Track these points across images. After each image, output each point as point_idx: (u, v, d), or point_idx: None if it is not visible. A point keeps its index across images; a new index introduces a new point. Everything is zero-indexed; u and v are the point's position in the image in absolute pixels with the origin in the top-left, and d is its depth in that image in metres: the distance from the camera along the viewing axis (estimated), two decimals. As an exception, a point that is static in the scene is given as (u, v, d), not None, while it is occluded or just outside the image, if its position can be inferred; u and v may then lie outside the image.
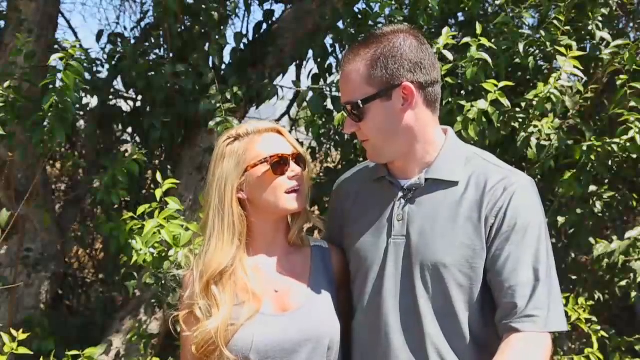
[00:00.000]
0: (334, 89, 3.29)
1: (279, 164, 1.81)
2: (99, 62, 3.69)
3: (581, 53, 2.89)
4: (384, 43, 1.75)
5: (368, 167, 1.99)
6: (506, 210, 1.70)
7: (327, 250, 1.94)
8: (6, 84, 3.11)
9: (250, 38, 3.92)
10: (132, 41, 3.91)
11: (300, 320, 1.80)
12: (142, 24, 4.19)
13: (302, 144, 1.84)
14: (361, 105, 1.74)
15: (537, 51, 3.08)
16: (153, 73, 3.51)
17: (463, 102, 2.87)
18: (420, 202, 1.79)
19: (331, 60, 3.70)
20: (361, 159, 3.46)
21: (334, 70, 3.69)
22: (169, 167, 3.87)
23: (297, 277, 1.88)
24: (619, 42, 3.01)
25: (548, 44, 2.98)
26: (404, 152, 1.79)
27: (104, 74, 3.79)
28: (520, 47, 3.00)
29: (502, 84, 2.81)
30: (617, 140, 2.93)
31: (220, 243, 1.82)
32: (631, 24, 3.88)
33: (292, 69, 3.99)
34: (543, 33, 3.01)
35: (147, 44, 3.76)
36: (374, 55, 1.74)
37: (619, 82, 2.95)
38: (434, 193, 1.79)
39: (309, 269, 1.90)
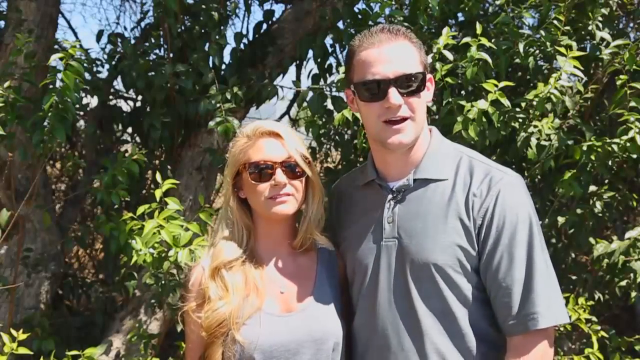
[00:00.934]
0: (334, 89, 3.28)
1: (260, 172, 1.82)
2: (99, 62, 3.68)
3: (581, 53, 2.89)
4: (411, 35, 1.80)
5: (359, 172, 2.00)
6: (493, 210, 1.71)
7: (333, 253, 1.96)
8: (6, 84, 3.11)
9: (250, 38, 3.92)
10: (132, 41, 3.91)
11: (305, 321, 1.81)
12: (142, 24, 4.19)
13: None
14: (427, 76, 1.78)
15: (537, 51, 3.07)
16: (153, 73, 3.51)
17: (463, 102, 2.87)
18: (409, 203, 1.80)
19: (331, 60, 3.71)
20: (361, 159, 3.45)
21: (334, 70, 3.68)
22: (169, 167, 3.87)
23: (302, 279, 1.89)
24: (619, 42, 3.01)
25: (548, 44, 2.98)
26: (415, 141, 1.81)
27: (104, 74, 3.79)
28: (520, 47, 3.00)
29: (502, 84, 2.81)
30: (617, 140, 2.93)
31: (227, 235, 1.88)
32: (631, 24, 3.88)
33: (292, 69, 3.99)
34: (543, 33, 3.00)
35: (147, 44, 3.75)
36: (417, 42, 1.80)
37: (619, 82, 2.95)
38: (423, 193, 1.79)
39: (314, 271, 1.91)
